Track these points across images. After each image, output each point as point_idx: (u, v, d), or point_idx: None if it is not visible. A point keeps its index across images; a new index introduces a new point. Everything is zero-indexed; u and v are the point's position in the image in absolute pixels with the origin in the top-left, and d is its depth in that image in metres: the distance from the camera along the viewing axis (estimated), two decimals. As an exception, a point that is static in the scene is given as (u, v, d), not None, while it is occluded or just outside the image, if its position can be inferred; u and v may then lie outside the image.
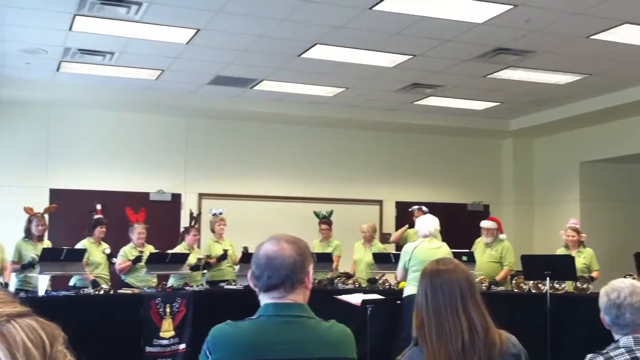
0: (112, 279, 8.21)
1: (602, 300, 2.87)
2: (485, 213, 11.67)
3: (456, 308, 2.42)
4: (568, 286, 7.49)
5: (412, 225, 9.16)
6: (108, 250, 8.09)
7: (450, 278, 2.48)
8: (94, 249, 8.04)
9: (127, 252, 8.23)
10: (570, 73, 8.88)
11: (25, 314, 1.00)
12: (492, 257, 8.48)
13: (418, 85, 9.55)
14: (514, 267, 8.47)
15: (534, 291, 7.55)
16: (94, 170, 10.23)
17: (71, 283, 7.98)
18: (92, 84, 9.45)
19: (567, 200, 11.80)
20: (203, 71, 8.89)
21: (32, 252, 7.57)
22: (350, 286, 8.55)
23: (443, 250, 6.89)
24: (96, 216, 8.30)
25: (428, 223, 7.03)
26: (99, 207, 8.42)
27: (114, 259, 8.13)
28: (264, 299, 2.20)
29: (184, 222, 10.02)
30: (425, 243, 6.79)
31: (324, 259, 8.87)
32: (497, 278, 8.27)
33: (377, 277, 8.81)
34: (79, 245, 7.97)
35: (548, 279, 7.18)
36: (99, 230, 8.13)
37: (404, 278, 7.06)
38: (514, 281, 7.90)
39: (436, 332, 2.41)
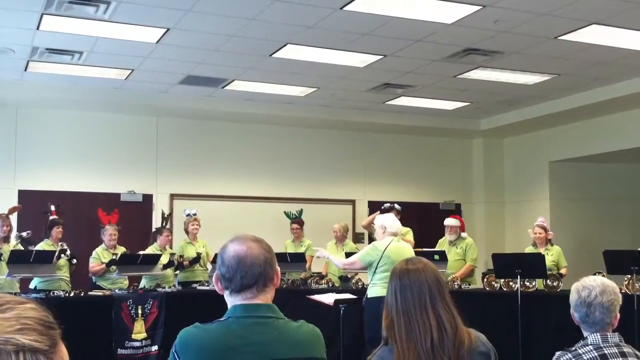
0: (72, 281, 8.09)
1: (573, 297, 2.90)
2: (457, 212, 11.75)
3: (425, 307, 2.43)
4: (538, 284, 7.58)
5: None
6: (68, 251, 7.98)
7: (419, 278, 2.49)
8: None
9: (100, 254, 8.15)
10: (539, 73, 8.98)
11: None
12: (458, 256, 8.57)
13: (389, 85, 9.59)
14: (475, 264, 8.59)
15: (505, 289, 7.62)
16: (63, 171, 10.12)
17: (32, 285, 7.87)
18: (61, 83, 9.35)
19: (537, 199, 11.92)
20: (173, 71, 8.84)
21: None
22: (324, 286, 8.56)
23: (410, 249, 6.88)
24: (51, 217, 8.19)
25: (395, 221, 6.82)
26: (53, 207, 8.29)
27: (75, 260, 8.03)
28: (235, 300, 2.19)
29: (156, 223, 9.96)
30: (395, 242, 6.64)
31: (297, 259, 8.87)
32: (457, 275, 8.31)
33: (349, 276, 8.83)
34: (38, 248, 7.86)
35: (519, 277, 7.25)
36: (56, 231, 8.02)
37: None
38: (485, 279, 7.97)
39: (405, 331, 2.42)
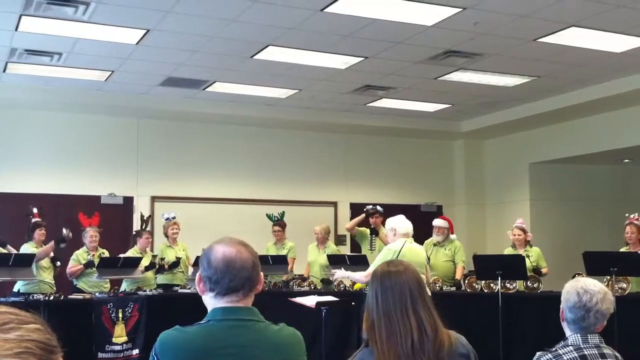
0: (57, 284, 8.04)
1: (571, 298, 2.90)
2: (438, 214, 11.78)
3: (406, 309, 2.43)
4: (519, 285, 7.62)
5: (368, 226, 9.21)
6: (51, 254, 7.93)
7: (400, 280, 2.49)
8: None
9: (79, 255, 8.12)
10: (519, 75, 9.03)
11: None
12: (446, 257, 8.58)
13: (370, 87, 9.60)
14: (465, 265, 8.61)
15: (486, 291, 7.65)
16: (43, 173, 10.03)
17: (15, 289, 7.80)
18: (40, 85, 9.27)
19: (517, 200, 11.99)
20: (154, 72, 8.80)
21: None
22: (306, 288, 8.55)
23: (423, 252, 6.71)
24: (34, 219, 8.12)
25: (405, 222, 6.51)
26: (35, 210, 8.23)
27: (59, 263, 7.97)
28: (216, 303, 2.17)
29: (137, 225, 9.90)
30: (409, 244, 6.35)
31: (279, 261, 8.85)
32: (457, 276, 8.38)
33: (331, 279, 8.82)
34: (22, 251, 7.80)
35: (500, 278, 7.28)
36: (39, 233, 7.98)
37: None
38: (466, 281, 8.00)
39: (386, 333, 2.42)
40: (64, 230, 7.90)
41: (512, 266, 7.45)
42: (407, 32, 7.25)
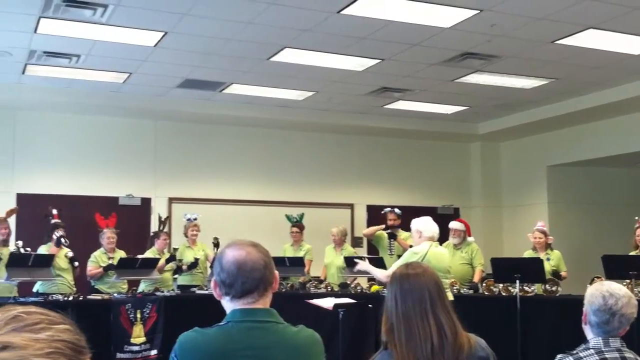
0: (76, 284, 8.10)
1: (596, 301, 2.88)
2: (455, 216, 11.73)
3: (425, 312, 2.43)
4: (537, 289, 7.57)
5: (386, 228, 9.18)
6: (70, 254, 7.98)
7: (419, 282, 2.48)
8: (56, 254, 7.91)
9: (98, 257, 8.16)
10: (536, 77, 8.98)
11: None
12: (463, 259, 8.53)
13: (387, 89, 9.59)
14: (484, 268, 8.56)
15: (504, 294, 7.62)
16: (61, 174, 10.11)
17: (34, 289, 7.87)
18: (59, 86, 9.35)
19: (535, 203, 11.91)
20: (171, 74, 8.84)
21: None
22: (322, 290, 8.54)
23: (448, 256, 6.62)
24: (53, 220, 8.19)
25: (431, 225, 6.36)
26: (55, 211, 8.29)
27: (77, 263, 8.03)
28: (234, 305, 2.19)
29: (154, 226, 9.95)
30: (434, 247, 6.23)
31: (296, 263, 8.85)
32: (475, 279, 8.34)
33: (348, 282, 8.81)
34: (40, 251, 7.86)
35: (518, 281, 7.24)
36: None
37: None
38: (484, 284, 7.96)
39: (405, 336, 2.41)
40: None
41: (531, 269, 7.41)
42: (424, 34, 7.24)
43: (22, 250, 7.81)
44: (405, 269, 2.58)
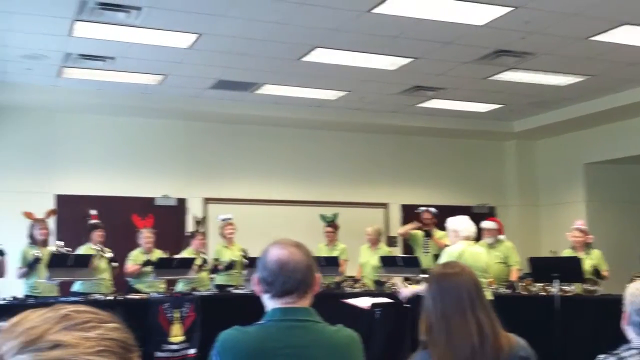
0: (115, 284, 8.22)
1: (637, 301, 2.83)
2: (490, 215, 11.62)
3: (464, 312, 2.41)
4: (577, 288, 7.47)
5: (420, 223, 9.15)
6: (110, 254, 8.09)
7: (458, 282, 2.47)
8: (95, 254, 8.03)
9: (136, 257, 8.26)
10: (571, 74, 8.86)
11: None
12: (497, 258, 8.46)
13: (420, 88, 9.55)
14: (520, 266, 8.47)
15: (542, 293, 7.53)
16: (98, 175, 10.25)
17: (73, 289, 7.99)
18: (94, 88, 9.48)
19: (573, 201, 11.76)
20: (205, 75, 8.91)
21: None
22: (358, 290, 8.53)
23: (485, 255, 6.55)
24: (92, 221, 8.31)
25: (469, 224, 6.32)
26: (93, 212, 8.41)
27: (116, 263, 8.13)
28: (274, 304, 2.20)
29: (190, 227, 10.03)
30: (470, 247, 6.18)
31: (331, 263, 8.84)
32: (512, 278, 8.27)
33: (383, 280, 8.78)
34: (79, 252, 7.97)
35: (556, 281, 7.15)
36: (97, 234, 8.14)
37: None
38: (522, 283, 7.89)
39: (445, 336, 2.40)
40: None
41: (569, 269, 7.31)
42: (457, 32, 7.19)
43: (63, 250, 7.94)
44: (443, 269, 2.57)
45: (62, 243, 8.10)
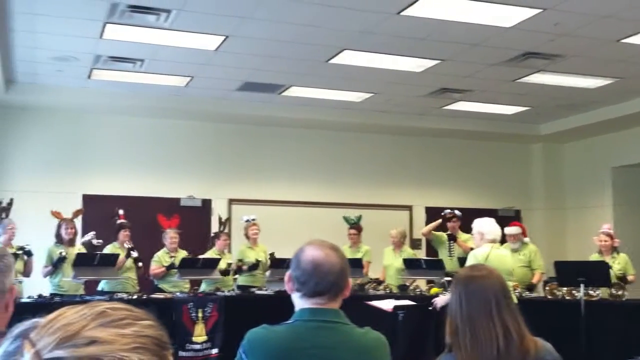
0: (139, 283, 8.28)
1: None
2: (516, 219, 11.55)
3: (491, 315, 2.39)
4: (603, 293, 7.40)
5: (445, 229, 9.10)
6: (135, 253, 8.15)
7: (484, 284, 2.46)
8: (121, 254, 8.10)
9: (161, 257, 8.31)
10: (601, 77, 8.78)
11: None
12: (521, 262, 8.40)
13: (447, 90, 9.51)
14: (543, 270, 8.40)
15: (567, 298, 7.47)
16: (125, 175, 10.34)
17: (99, 288, 8.07)
18: (123, 90, 9.57)
19: (600, 205, 11.64)
20: (232, 77, 8.95)
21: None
22: (381, 292, 8.52)
23: (510, 258, 6.49)
24: (119, 221, 8.39)
25: (494, 227, 6.26)
26: (120, 212, 8.50)
27: (140, 263, 8.20)
28: (304, 304, 2.21)
29: (215, 227, 10.09)
30: (495, 250, 6.11)
31: (354, 265, 8.79)
32: (534, 281, 8.20)
33: (407, 283, 8.76)
34: (106, 251, 8.05)
35: (582, 285, 7.08)
36: (123, 234, 8.21)
37: None
38: (547, 287, 7.83)
39: (470, 339, 2.39)
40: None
41: (595, 273, 7.24)
42: (485, 34, 7.16)
43: (94, 242, 8.03)
44: (470, 271, 2.56)
45: (93, 233, 8.19)
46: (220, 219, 9.51)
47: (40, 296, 7.35)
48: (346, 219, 9.68)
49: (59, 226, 7.90)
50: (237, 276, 8.81)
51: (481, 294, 2.44)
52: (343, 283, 2.21)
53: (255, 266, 8.74)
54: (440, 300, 6.79)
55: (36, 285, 7.68)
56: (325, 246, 2.23)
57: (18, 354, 0.85)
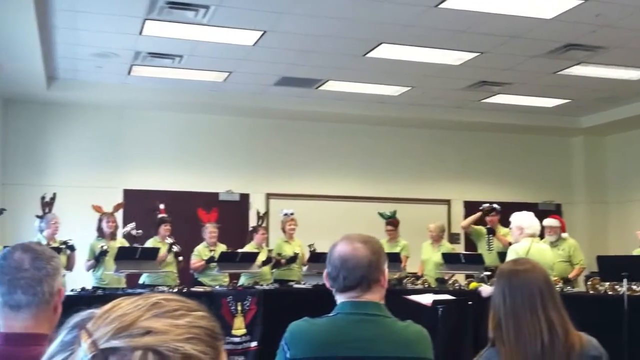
0: (180, 276, 8.37)
1: None
2: (557, 212, 11.40)
3: (535, 309, 2.38)
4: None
5: (484, 223, 9.01)
6: (176, 248, 8.23)
7: (528, 278, 2.44)
8: (161, 248, 8.19)
9: (201, 251, 8.39)
10: (644, 68, 8.62)
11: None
12: (560, 257, 8.28)
13: (485, 83, 9.42)
14: (584, 265, 8.28)
15: (610, 293, 7.35)
16: (164, 170, 10.46)
17: (141, 281, 8.18)
18: (162, 86, 9.66)
19: (643, 199, 11.44)
20: (269, 72, 8.98)
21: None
22: (420, 286, 8.48)
23: (551, 252, 6.43)
24: (160, 215, 8.48)
25: (534, 220, 6.16)
26: (162, 206, 8.60)
27: (181, 258, 8.28)
28: (341, 298, 2.23)
29: (253, 221, 10.14)
30: (536, 244, 6.02)
31: (392, 259, 8.73)
32: (570, 276, 8.09)
33: (446, 278, 8.71)
34: (147, 245, 8.15)
35: (625, 280, 6.97)
36: (164, 228, 8.30)
37: None
38: (589, 282, 7.71)
39: (514, 333, 2.37)
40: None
41: (639, 267, 7.11)
42: (525, 25, 7.07)
43: (133, 232, 8.14)
44: (514, 265, 2.54)
45: (133, 224, 8.30)
46: (258, 213, 9.56)
47: (83, 289, 7.47)
48: (381, 215, 9.66)
49: (100, 220, 8.03)
50: (274, 270, 8.85)
51: (525, 288, 2.42)
52: (373, 275, 2.21)
53: (293, 259, 8.78)
54: (485, 290, 6.73)
55: (78, 278, 7.81)
56: (355, 240, 2.25)
57: (75, 343, 0.86)
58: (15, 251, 1.96)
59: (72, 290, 7.31)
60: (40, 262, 1.93)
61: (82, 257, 7.85)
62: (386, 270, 2.27)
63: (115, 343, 0.84)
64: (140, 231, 8.25)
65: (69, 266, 7.68)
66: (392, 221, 9.45)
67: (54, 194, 7.93)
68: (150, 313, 0.87)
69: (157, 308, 0.88)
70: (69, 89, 9.47)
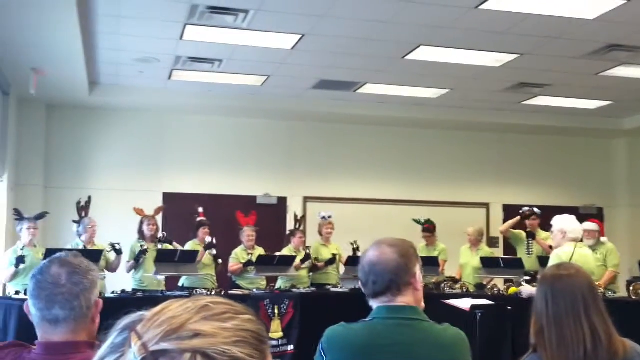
0: (218, 279, 8.43)
1: None
2: (598, 216, 11.21)
3: (578, 315, 2.34)
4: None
5: (523, 227, 8.89)
6: (214, 251, 8.28)
7: (572, 284, 2.41)
8: (200, 250, 8.24)
9: (238, 254, 8.43)
10: (689, 69, 8.44)
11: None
12: (598, 262, 8.11)
13: (526, 85, 9.32)
14: (618, 270, 8.13)
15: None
16: (203, 174, 10.56)
17: (180, 284, 8.26)
18: (202, 90, 9.75)
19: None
20: (307, 76, 9.00)
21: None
22: (458, 291, 8.41)
23: (592, 257, 6.32)
24: (199, 218, 8.55)
25: (576, 225, 6.05)
26: (200, 210, 8.66)
27: (220, 260, 8.33)
28: (375, 303, 2.23)
29: (290, 225, 10.17)
30: (579, 250, 5.92)
31: (430, 263, 8.73)
32: (600, 282, 7.93)
33: (484, 282, 8.63)
34: (186, 248, 8.22)
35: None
36: (203, 232, 8.35)
37: None
38: (631, 288, 7.57)
39: (557, 339, 2.34)
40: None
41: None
42: (566, 26, 6.98)
43: (158, 235, 8.19)
44: (557, 270, 2.50)
45: (164, 234, 8.37)
46: (296, 216, 9.58)
47: (123, 291, 7.56)
48: (416, 221, 9.58)
49: (141, 223, 8.11)
50: (311, 274, 8.85)
51: (569, 294, 2.38)
52: (402, 279, 2.19)
53: (331, 261, 8.78)
54: (526, 290, 6.63)
55: (116, 280, 7.90)
56: (383, 244, 2.24)
57: (125, 345, 0.88)
58: (52, 265, 1.95)
59: (112, 293, 7.41)
60: (78, 276, 1.93)
61: (123, 259, 7.95)
62: (419, 272, 2.24)
63: (164, 345, 0.85)
64: (164, 233, 8.30)
65: (113, 268, 7.79)
66: (428, 227, 9.36)
67: (89, 198, 8.02)
68: (199, 316, 0.89)
69: (206, 311, 0.90)
70: (111, 94, 9.62)
